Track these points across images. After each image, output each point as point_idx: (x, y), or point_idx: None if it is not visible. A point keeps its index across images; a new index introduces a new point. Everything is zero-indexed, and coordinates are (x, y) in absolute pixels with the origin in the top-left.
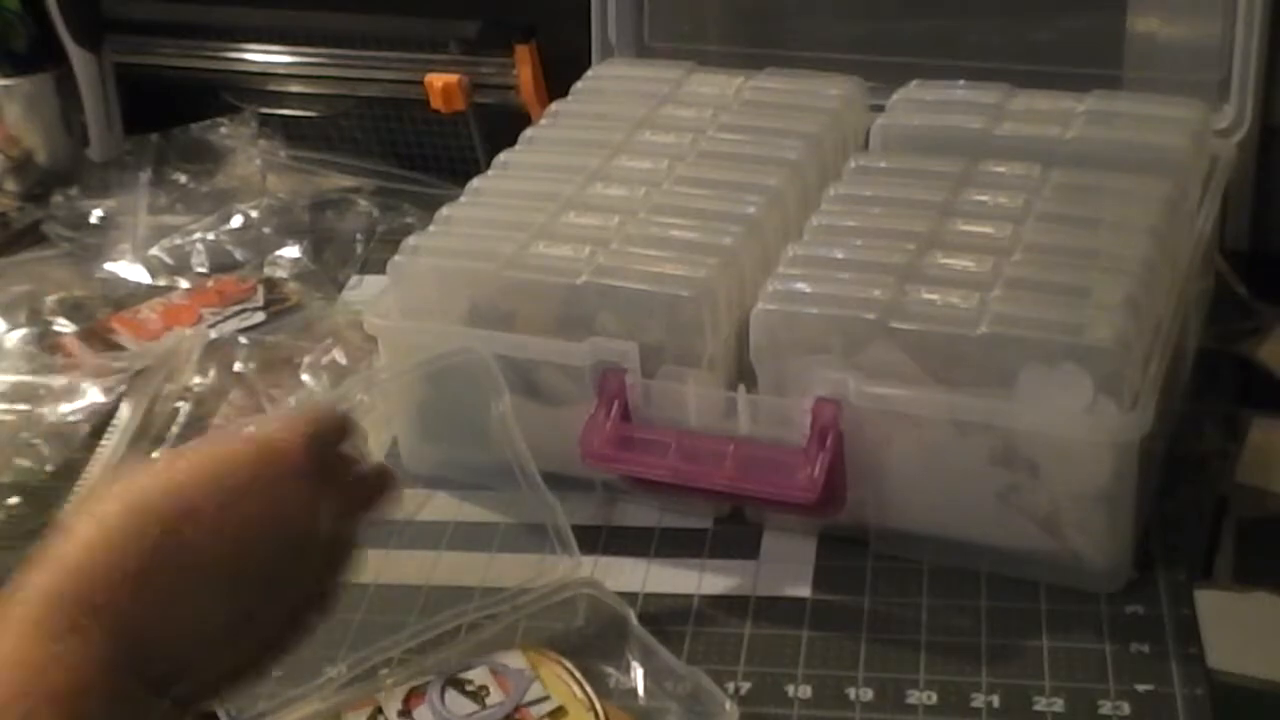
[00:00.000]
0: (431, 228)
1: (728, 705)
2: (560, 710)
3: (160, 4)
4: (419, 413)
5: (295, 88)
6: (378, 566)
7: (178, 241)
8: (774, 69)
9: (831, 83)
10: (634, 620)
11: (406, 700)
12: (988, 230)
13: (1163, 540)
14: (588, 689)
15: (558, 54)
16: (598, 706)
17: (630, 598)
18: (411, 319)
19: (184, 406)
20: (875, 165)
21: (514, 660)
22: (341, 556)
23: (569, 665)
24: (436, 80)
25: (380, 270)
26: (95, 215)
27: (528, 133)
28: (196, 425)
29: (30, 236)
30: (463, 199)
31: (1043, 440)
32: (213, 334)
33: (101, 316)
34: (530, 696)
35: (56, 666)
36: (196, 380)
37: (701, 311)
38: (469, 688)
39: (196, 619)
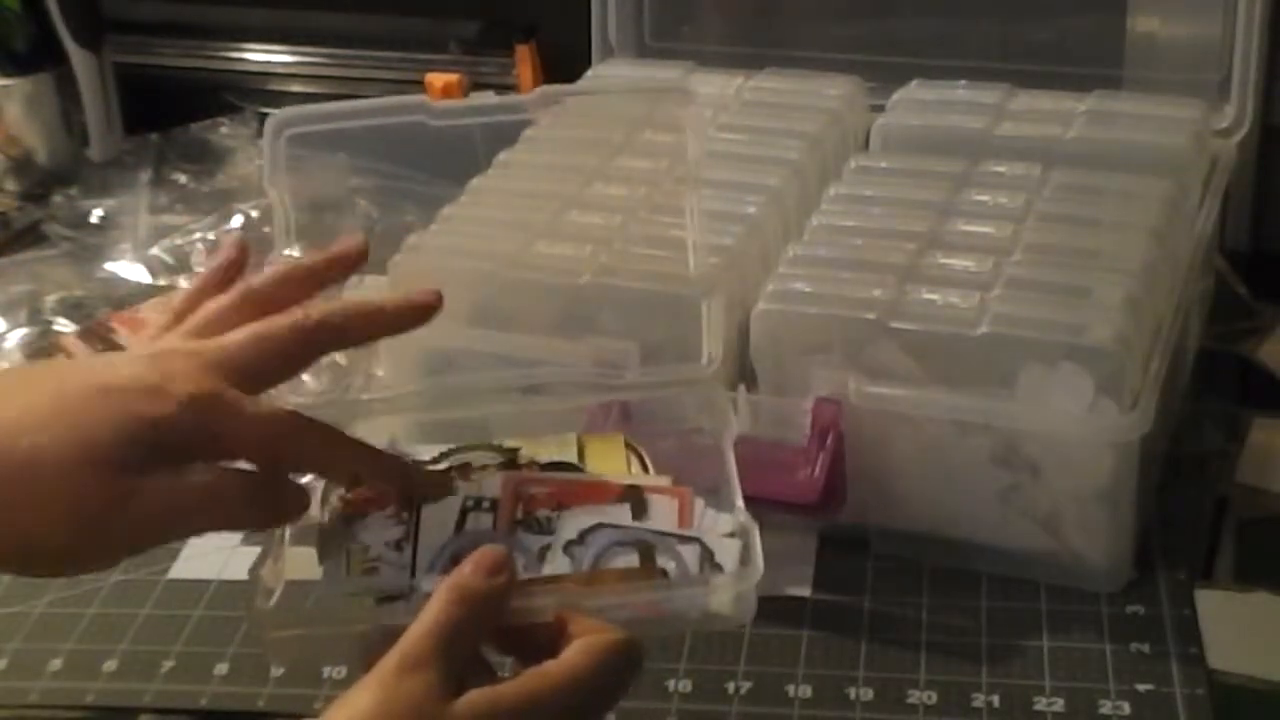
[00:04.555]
0: (432, 227)
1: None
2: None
3: (160, 4)
4: None
5: (295, 88)
6: None
7: (178, 241)
8: (774, 69)
9: (831, 83)
10: None
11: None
12: (988, 230)
13: (1163, 540)
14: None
15: (558, 54)
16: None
17: None
18: None
19: None
20: (875, 165)
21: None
22: None
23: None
24: (436, 80)
25: (380, 270)
26: (95, 215)
27: (528, 133)
28: None
29: (30, 236)
30: (463, 199)
31: (1043, 440)
32: None
33: (101, 316)
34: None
35: None
36: None
37: (702, 311)
38: None
39: None
